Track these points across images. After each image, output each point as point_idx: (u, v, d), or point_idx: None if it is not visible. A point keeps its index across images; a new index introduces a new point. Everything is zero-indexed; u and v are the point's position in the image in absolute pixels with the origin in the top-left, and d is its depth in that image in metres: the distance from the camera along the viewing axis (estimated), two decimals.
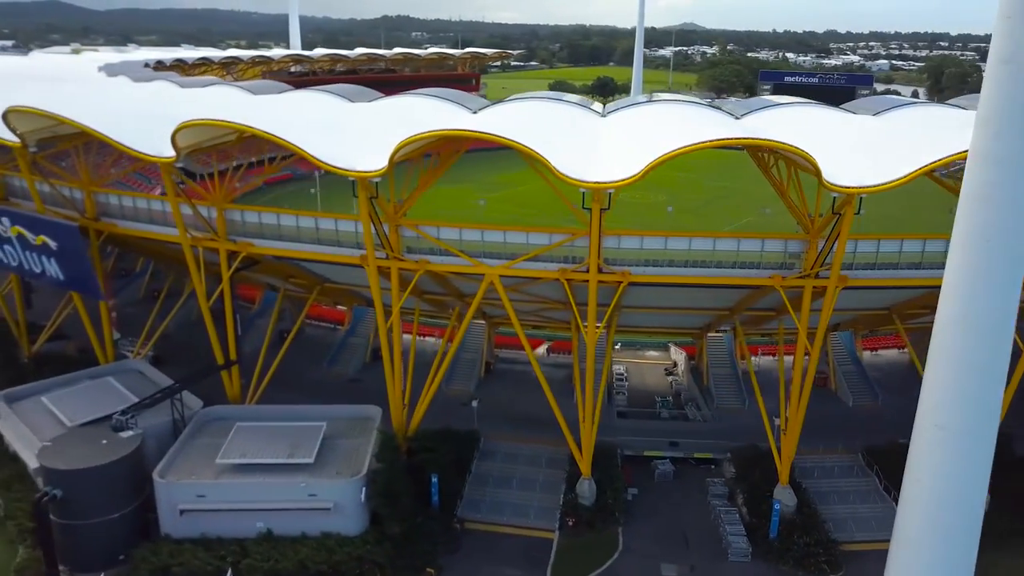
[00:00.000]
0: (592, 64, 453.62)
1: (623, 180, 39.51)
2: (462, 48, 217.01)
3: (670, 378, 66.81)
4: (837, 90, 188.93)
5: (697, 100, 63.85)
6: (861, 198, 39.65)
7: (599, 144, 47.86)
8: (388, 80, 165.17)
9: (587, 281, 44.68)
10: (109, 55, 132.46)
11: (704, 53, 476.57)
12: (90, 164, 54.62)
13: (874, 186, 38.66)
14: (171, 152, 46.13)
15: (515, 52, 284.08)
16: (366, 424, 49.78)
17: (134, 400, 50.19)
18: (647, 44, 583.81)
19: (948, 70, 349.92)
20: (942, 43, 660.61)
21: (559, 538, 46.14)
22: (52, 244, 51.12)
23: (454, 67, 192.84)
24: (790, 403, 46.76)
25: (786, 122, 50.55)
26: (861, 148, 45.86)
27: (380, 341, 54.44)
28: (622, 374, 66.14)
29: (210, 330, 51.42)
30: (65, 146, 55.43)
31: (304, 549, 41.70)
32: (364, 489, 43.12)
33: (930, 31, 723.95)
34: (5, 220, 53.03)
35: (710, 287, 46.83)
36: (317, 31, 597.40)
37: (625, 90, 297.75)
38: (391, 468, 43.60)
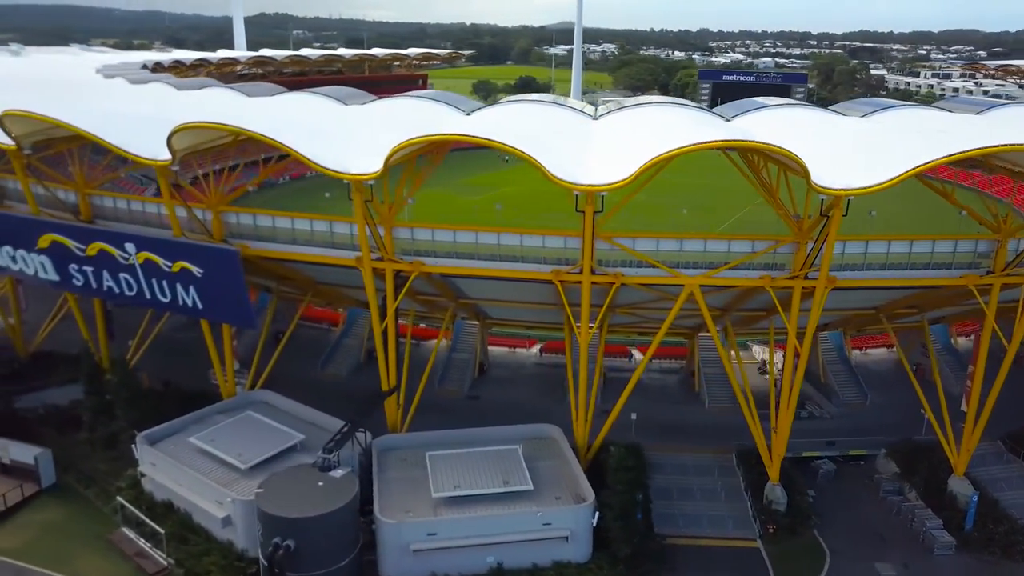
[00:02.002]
0: (490, 63, 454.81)
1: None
2: (361, 47, 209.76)
3: (766, 376, 67.66)
4: (774, 88, 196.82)
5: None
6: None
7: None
8: (340, 81, 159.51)
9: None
10: None
11: (603, 52, 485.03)
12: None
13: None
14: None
15: (466, 53, 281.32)
16: (550, 444, 48.26)
17: (289, 433, 47.20)
18: (537, 43, 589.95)
19: (839, 67, 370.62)
20: (811, 41, 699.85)
21: (763, 546, 46.13)
22: (196, 271, 46.86)
23: (401, 67, 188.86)
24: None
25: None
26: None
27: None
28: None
29: (380, 355, 48.46)
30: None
31: None
32: (597, 514, 41.71)
33: (791, 30, 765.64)
34: (129, 246, 48.17)
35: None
36: (192, 29, 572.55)
37: (547, 89, 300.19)
38: (628, 489, 42.31)
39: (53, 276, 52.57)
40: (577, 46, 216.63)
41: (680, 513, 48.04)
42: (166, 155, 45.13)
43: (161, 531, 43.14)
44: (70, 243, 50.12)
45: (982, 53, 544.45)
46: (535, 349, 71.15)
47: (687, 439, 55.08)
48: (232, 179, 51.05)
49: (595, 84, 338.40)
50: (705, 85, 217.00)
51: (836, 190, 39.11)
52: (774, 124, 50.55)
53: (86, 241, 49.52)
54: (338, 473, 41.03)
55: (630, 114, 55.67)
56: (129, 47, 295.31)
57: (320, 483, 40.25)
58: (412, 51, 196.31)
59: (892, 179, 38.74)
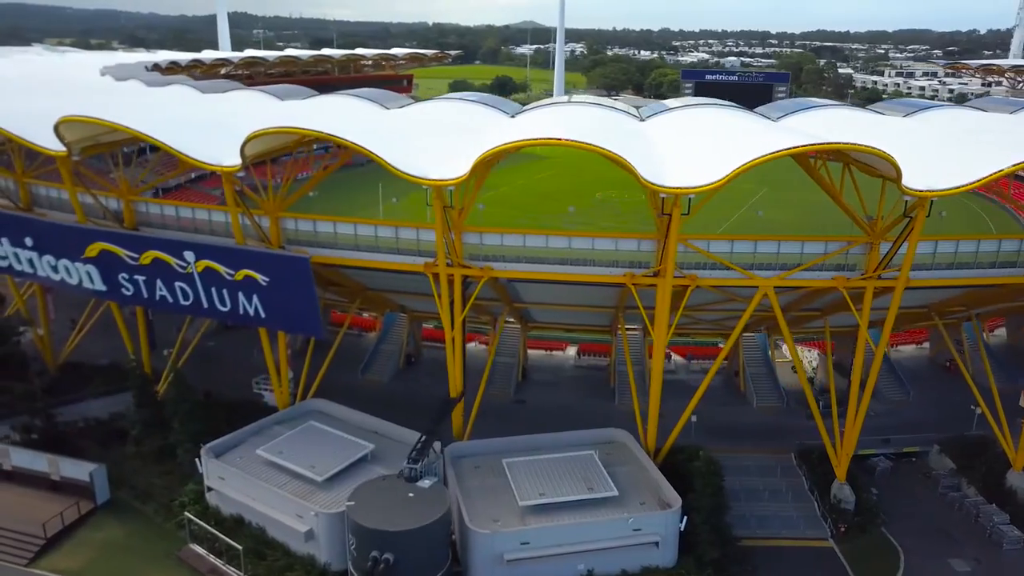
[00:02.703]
0: (459, 63, 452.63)
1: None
2: (331, 49, 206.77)
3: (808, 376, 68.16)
4: (756, 87, 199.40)
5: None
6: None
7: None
8: (327, 82, 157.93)
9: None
10: None
11: (572, 52, 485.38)
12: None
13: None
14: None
15: (453, 53, 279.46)
16: (620, 448, 48.03)
17: (358, 443, 46.53)
18: (504, 43, 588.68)
19: (807, 66, 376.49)
20: (771, 41, 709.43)
21: (836, 545, 46.38)
22: (262, 279, 45.74)
23: (388, 67, 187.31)
24: None
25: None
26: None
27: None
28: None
29: (449, 362, 47.78)
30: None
31: None
32: (686, 518, 41.56)
33: (750, 29, 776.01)
34: (188, 255, 46.86)
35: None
36: (149, 28, 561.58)
37: (523, 89, 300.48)
38: (716, 493, 42.25)
39: (100, 286, 50.99)
40: (559, 46, 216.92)
41: (751, 514, 48.04)
42: (230, 160, 44.13)
43: (238, 547, 41.99)
44: (122, 252, 48.62)
45: (937, 52, 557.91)
46: (570, 351, 70.74)
47: (741, 440, 55.12)
48: (287, 184, 49.77)
49: (569, 84, 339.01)
50: (688, 84, 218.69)
51: (924, 191, 39.41)
52: (835, 125, 50.97)
53: (140, 250, 48.10)
54: (426, 483, 40.30)
55: (680, 116, 55.75)
56: (87, 47, 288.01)
57: (410, 494, 39.49)
58: (400, 51, 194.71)
59: (980, 179, 39.20)
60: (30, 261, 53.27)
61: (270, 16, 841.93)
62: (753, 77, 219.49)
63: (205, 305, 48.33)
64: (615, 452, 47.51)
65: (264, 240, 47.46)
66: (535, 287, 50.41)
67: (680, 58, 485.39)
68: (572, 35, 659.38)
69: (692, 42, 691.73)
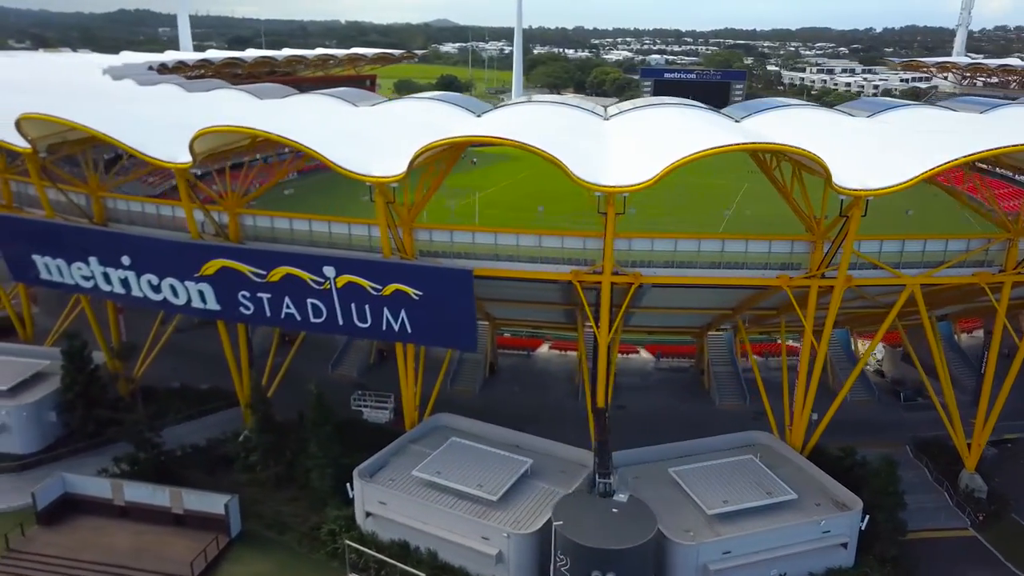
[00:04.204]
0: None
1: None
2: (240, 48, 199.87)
3: (870, 368, 69.82)
4: (714, 85, 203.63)
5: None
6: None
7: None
8: (295, 81, 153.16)
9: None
10: None
11: (501, 51, 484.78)
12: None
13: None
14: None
15: (420, 52, 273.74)
16: (768, 451, 48.03)
17: (514, 459, 45.16)
18: (428, 42, 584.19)
19: (735, 65, 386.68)
20: (686, 39, 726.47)
21: (977, 534, 47.55)
22: (414, 294, 43.83)
23: (353, 68, 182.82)
24: None
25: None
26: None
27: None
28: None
29: (601, 372, 46.83)
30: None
31: None
32: (867, 517, 41.88)
33: (661, 28, 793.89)
34: (328, 270, 44.52)
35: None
36: (44, 26, 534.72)
37: (468, 88, 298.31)
38: (895, 492, 42.70)
39: (213, 305, 48.03)
40: (518, 46, 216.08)
41: None
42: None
43: (419, 575, 40.20)
44: (247, 269, 45.86)
45: (843, 49, 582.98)
46: (645, 353, 70.55)
47: (853, 435, 55.65)
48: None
49: (503, 82, 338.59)
50: (647, 83, 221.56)
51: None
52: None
53: (270, 266, 45.44)
54: (622, 497, 39.45)
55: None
56: None
57: (614, 510, 38.58)
58: (369, 51, 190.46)
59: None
60: (123, 281, 49.73)
61: (173, 14, 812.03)
62: (711, 75, 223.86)
63: (340, 322, 46.06)
64: (765, 455, 47.48)
65: (402, 251, 45.51)
66: (660, 292, 49.71)
67: (606, 56, 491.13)
68: (490, 33, 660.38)
69: (610, 40, 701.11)
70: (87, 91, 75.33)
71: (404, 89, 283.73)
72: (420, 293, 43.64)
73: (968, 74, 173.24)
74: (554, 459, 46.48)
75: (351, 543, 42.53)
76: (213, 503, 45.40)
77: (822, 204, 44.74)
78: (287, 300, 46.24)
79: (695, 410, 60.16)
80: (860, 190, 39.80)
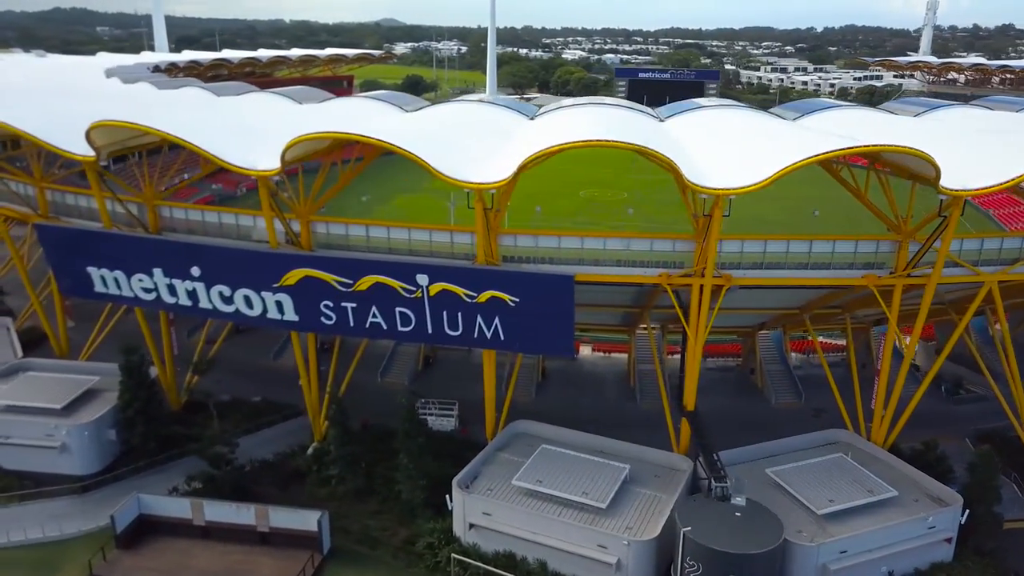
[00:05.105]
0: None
1: (750, 186, 39.23)
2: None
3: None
4: (689, 85, 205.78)
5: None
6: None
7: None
8: (274, 83, 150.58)
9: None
10: None
11: (459, 50, 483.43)
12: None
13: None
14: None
15: (399, 53, 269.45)
16: (850, 448, 48.39)
17: (614, 465, 44.77)
18: (380, 42, 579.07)
19: (693, 63, 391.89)
20: (637, 39, 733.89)
21: None
22: (511, 300, 43.15)
23: (330, 69, 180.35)
24: None
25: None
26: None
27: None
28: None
29: (688, 374, 46.67)
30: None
31: None
32: (968, 511, 42.58)
33: (609, 27, 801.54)
34: (421, 278, 43.60)
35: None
36: None
37: (434, 88, 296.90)
38: (993, 484, 43.51)
39: (291, 316, 46.68)
40: (491, 46, 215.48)
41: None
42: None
43: None
44: (332, 279, 44.66)
45: (790, 48, 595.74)
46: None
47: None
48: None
49: (471, 82, 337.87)
50: (622, 82, 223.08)
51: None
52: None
53: (357, 275, 44.30)
54: (740, 500, 39.45)
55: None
56: None
57: (737, 513, 38.56)
58: (350, 52, 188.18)
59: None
60: (190, 292, 48.04)
61: (112, 13, 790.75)
62: (685, 75, 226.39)
63: (430, 330, 45.18)
64: (850, 452, 47.91)
65: (489, 257, 44.81)
66: (740, 293, 49.93)
67: (564, 55, 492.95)
68: (444, 32, 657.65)
69: (561, 40, 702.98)
70: (120, 95, 73.18)
71: (369, 87, 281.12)
72: (517, 300, 42.98)
73: (937, 73, 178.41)
74: (645, 464, 46.31)
75: (458, 556, 41.71)
76: (303, 520, 44.15)
77: (908, 205, 45.19)
78: (374, 309, 45.17)
79: (753, 409, 60.47)
80: (962, 191, 40.53)
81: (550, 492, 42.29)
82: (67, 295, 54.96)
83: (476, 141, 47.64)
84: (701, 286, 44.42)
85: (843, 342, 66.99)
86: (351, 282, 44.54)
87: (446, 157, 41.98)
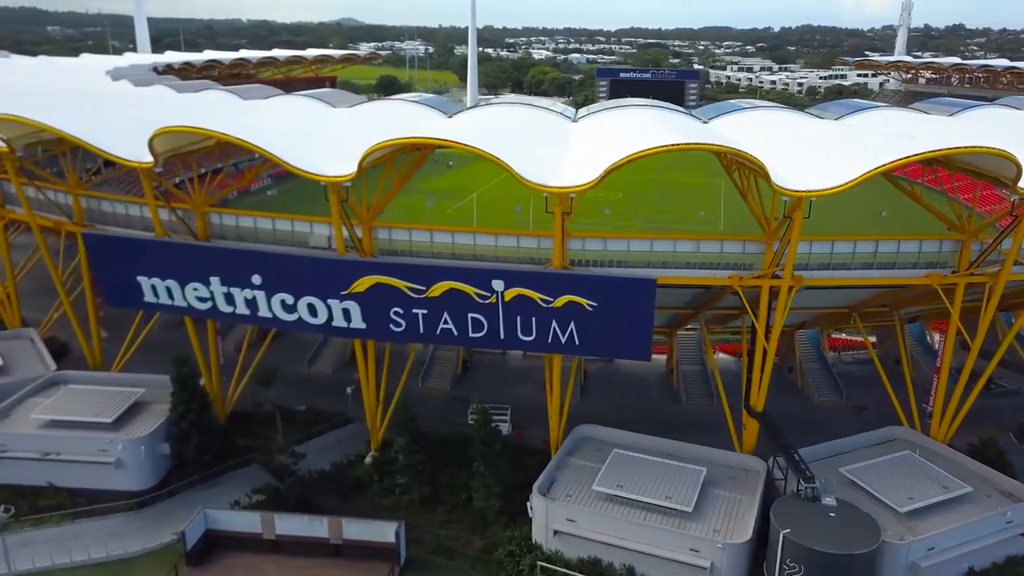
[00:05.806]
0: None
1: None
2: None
3: None
4: (669, 84, 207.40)
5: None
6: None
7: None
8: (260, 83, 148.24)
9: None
10: None
11: (427, 50, 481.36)
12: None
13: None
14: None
15: (384, 53, 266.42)
16: (911, 445, 48.98)
17: (690, 468, 44.68)
18: (352, 41, 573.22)
19: (665, 63, 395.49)
20: (599, 38, 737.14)
21: None
22: (588, 305, 42.85)
23: (312, 69, 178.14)
24: None
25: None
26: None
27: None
28: None
29: (756, 375, 46.76)
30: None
31: None
32: None
33: (569, 27, 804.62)
34: (496, 283, 43.13)
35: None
36: None
37: (408, 88, 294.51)
38: None
39: (358, 324, 45.83)
40: (472, 46, 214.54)
41: None
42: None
43: None
44: (404, 285, 43.95)
45: (750, 48, 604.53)
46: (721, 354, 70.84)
47: None
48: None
49: (441, 82, 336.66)
50: (603, 83, 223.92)
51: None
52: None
53: (430, 282, 43.67)
54: (831, 501, 39.68)
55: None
56: None
57: (831, 514, 38.76)
58: (337, 52, 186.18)
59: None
60: (249, 301, 46.95)
61: (64, 12, 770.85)
62: (666, 75, 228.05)
63: (502, 336, 44.70)
64: (917, 450, 48.43)
65: (559, 261, 44.48)
66: (807, 293, 49.72)
67: (533, 54, 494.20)
68: (405, 32, 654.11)
69: (524, 40, 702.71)
70: (147, 99, 71.46)
71: (344, 88, 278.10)
72: (595, 304, 42.70)
73: (911, 72, 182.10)
74: (717, 465, 46.31)
75: (543, 563, 41.32)
76: (379, 531, 43.38)
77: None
78: (445, 315, 44.55)
79: (796, 407, 60.76)
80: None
81: (633, 497, 42.13)
82: (114, 306, 53.23)
83: (540, 147, 47.20)
84: (772, 287, 44.60)
85: (859, 338, 67.80)
86: (424, 288, 43.87)
87: (527, 162, 41.48)
